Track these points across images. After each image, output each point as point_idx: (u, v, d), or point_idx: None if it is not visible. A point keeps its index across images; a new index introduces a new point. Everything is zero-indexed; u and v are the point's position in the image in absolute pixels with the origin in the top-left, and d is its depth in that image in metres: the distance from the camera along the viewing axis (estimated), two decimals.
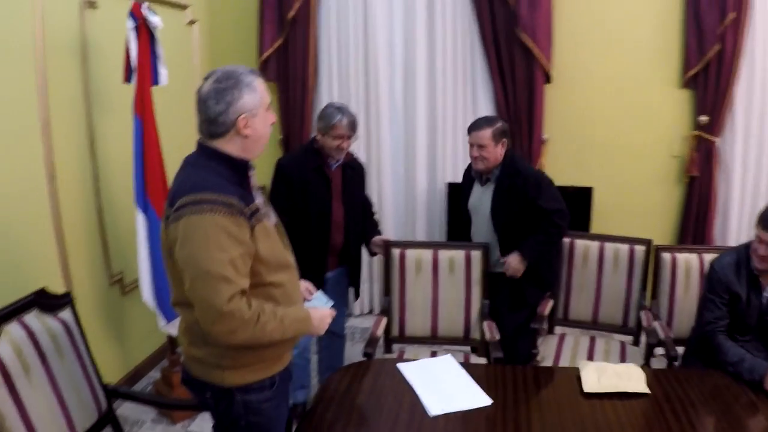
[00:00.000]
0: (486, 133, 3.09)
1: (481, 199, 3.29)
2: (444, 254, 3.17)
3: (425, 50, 4.33)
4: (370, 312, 4.79)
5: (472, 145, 3.16)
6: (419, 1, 4.24)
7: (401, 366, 2.54)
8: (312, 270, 2.95)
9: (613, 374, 2.36)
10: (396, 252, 3.18)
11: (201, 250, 1.68)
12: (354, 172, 3.22)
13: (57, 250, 3.15)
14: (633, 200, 4.29)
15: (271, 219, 1.94)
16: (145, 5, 3.06)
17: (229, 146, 1.83)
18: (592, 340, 3.21)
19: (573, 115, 4.23)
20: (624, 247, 3.24)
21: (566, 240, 3.34)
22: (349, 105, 4.42)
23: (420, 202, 4.57)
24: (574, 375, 2.40)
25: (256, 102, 1.82)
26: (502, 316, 3.22)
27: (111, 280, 3.58)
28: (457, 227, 3.59)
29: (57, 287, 3.06)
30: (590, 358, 3.03)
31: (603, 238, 3.32)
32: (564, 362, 3.03)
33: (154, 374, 3.86)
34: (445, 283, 3.17)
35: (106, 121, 3.46)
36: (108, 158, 3.48)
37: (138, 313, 3.62)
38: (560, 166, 4.25)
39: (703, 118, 4.03)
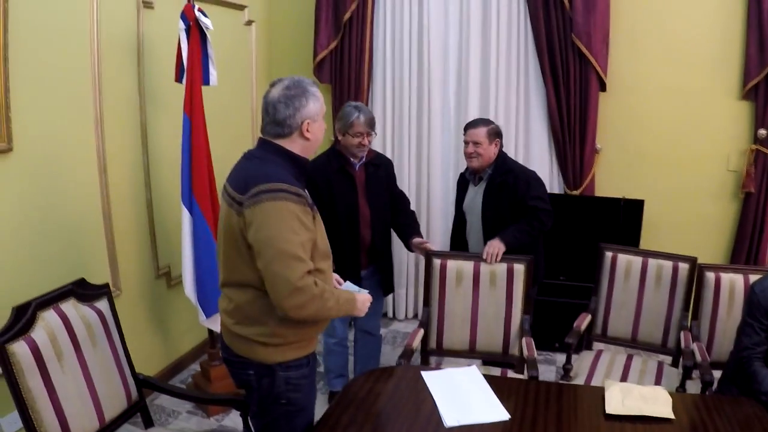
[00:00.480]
0: (482, 131, 3.20)
1: (474, 199, 3.33)
2: (486, 266, 3.11)
3: (479, 55, 4.29)
4: (415, 316, 4.80)
5: (467, 143, 3.24)
6: (474, 5, 4.21)
7: (425, 374, 2.53)
8: (348, 268, 3.08)
9: (638, 396, 2.27)
10: (437, 262, 3.15)
11: (278, 232, 1.90)
12: (377, 169, 3.29)
13: (105, 242, 3.29)
14: (685, 215, 4.13)
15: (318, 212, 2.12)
16: (196, 6, 3.15)
17: (292, 146, 2.07)
18: (629, 358, 3.11)
19: (627, 124, 4.12)
20: (668, 264, 3.11)
21: (608, 254, 3.24)
22: (402, 109, 4.51)
23: None
24: (600, 395, 2.32)
25: (318, 110, 2.08)
26: None
27: (158, 272, 3.71)
28: (456, 231, 3.58)
29: (104, 278, 3.22)
30: (625, 376, 2.94)
31: (646, 253, 3.20)
32: (597, 379, 2.94)
33: (195, 366, 3.98)
34: (485, 297, 3.12)
35: (158, 118, 3.59)
36: (160, 154, 3.61)
37: (183, 306, 3.74)
38: (612, 177, 4.14)
39: (763, 132, 3.84)
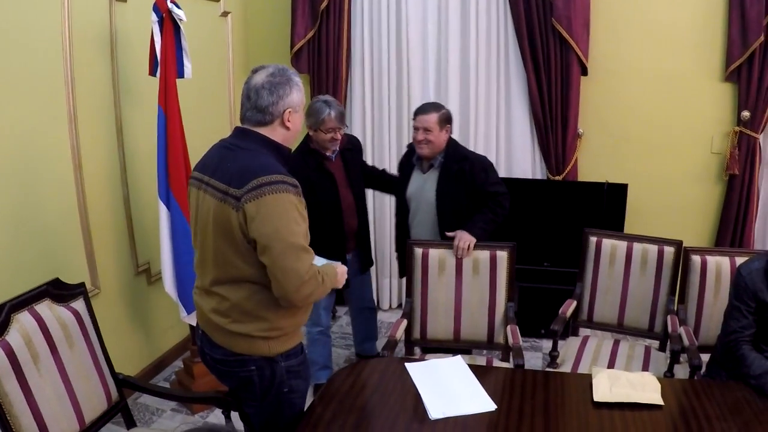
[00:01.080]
0: (432, 117, 3.09)
1: (423, 187, 3.23)
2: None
3: (458, 42, 4.24)
4: (399, 306, 4.76)
5: (417, 129, 3.12)
6: None
7: (409, 366, 2.49)
8: (335, 257, 2.96)
9: (626, 383, 2.25)
10: (419, 252, 3.09)
11: (284, 225, 1.88)
12: (352, 152, 3.37)
13: (82, 239, 3.22)
14: (669, 198, 4.13)
15: None
16: None
17: (273, 135, 2.04)
18: (616, 343, 3.10)
19: (610, 108, 4.09)
20: (653, 248, 3.10)
21: (592, 239, 3.22)
22: (381, 98, 4.46)
23: None
24: (588, 382, 2.29)
25: (300, 100, 2.07)
26: None
27: (137, 269, 3.65)
28: (399, 218, 3.49)
29: (82, 276, 3.15)
30: (612, 362, 2.93)
31: (631, 237, 3.19)
32: (584, 366, 2.93)
33: (178, 363, 3.92)
34: (468, 285, 3.08)
35: (133, 113, 3.52)
36: (135, 149, 3.54)
37: (164, 303, 3.67)
38: (595, 162, 4.13)
39: (746, 114, 3.84)
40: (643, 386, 2.23)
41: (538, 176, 4.28)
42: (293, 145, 2.17)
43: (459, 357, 2.60)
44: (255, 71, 2.05)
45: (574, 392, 2.29)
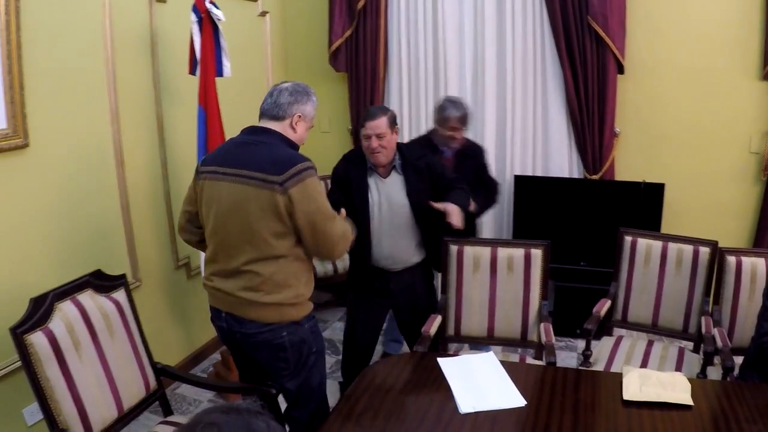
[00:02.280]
0: (383, 122, 2.88)
1: (389, 193, 3.00)
2: (503, 252, 3.07)
3: (494, 40, 4.24)
4: None
5: (369, 137, 2.89)
6: None
7: (441, 360, 2.51)
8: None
9: (656, 383, 2.24)
10: (454, 249, 3.11)
11: (322, 201, 2.28)
12: (467, 158, 3.47)
13: (124, 234, 3.33)
14: (707, 198, 4.05)
15: None
16: None
17: (284, 133, 2.36)
18: (650, 344, 3.07)
19: (646, 107, 4.03)
20: (688, 248, 3.05)
21: (628, 238, 3.19)
22: (418, 97, 4.48)
23: None
24: (618, 381, 2.29)
25: (311, 113, 2.44)
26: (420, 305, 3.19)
27: (177, 264, 3.75)
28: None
29: (124, 269, 3.25)
30: (645, 362, 2.90)
31: (666, 237, 3.15)
32: (617, 366, 2.90)
33: (216, 356, 4.00)
34: (503, 282, 3.08)
35: (174, 111, 3.61)
36: (177, 146, 3.63)
37: (202, 297, 3.70)
38: (632, 161, 4.08)
39: None
40: (674, 386, 2.21)
41: (575, 175, 4.25)
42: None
43: (491, 352, 2.62)
44: (283, 81, 2.47)
45: (605, 391, 2.28)
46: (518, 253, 3.06)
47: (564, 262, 4.07)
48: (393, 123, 2.94)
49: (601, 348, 3.08)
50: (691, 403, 2.13)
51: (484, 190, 3.54)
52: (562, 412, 2.17)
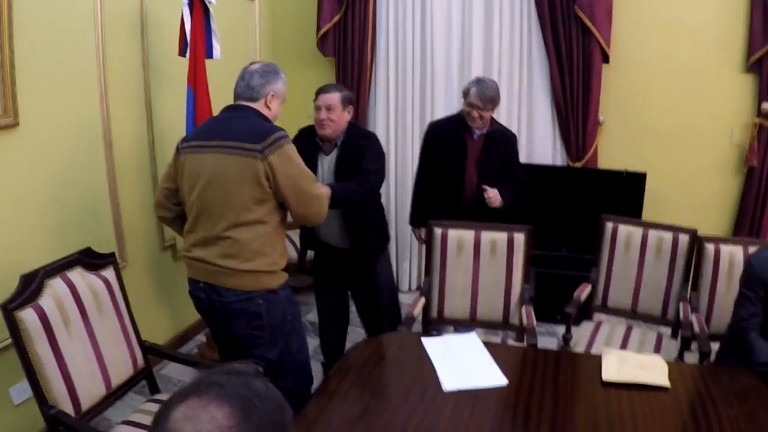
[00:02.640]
0: (335, 96, 2.95)
1: (327, 169, 3.06)
2: (486, 235, 3.11)
3: (482, 29, 4.28)
4: (418, 288, 4.84)
5: (319, 108, 2.96)
6: None
7: (425, 340, 2.57)
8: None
9: (635, 364, 2.30)
10: (438, 232, 3.15)
11: (302, 165, 2.42)
12: (497, 143, 3.39)
13: (111, 214, 3.33)
14: (688, 189, 4.13)
15: None
16: None
17: (259, 109, 2.51)
18: (629, 329, 3.14)
19: (630, 97, 4.10)
20: (668, 236, 3.12)
21: (609, 225, 3.26)
22: (405, 83, 4.50)
23: None
24: (598, 362, 2.35)
25: (282, 90, 2.58)
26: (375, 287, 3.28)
27: (163, 245, 3.76)
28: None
29: (110, 249, 3.23)
30: (624, 347, 2.98)
31: (647, 225, 3.21)
32: (596, 349, 2.97)
33: (201, 338, 4.04)
34: (486, 266, 3.13)
35: (163, 92, 3.61)
36: (165, 128, 3.63)
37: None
38: (614, 150, 4.14)
39: (766, 106, 3.82)
40: (652, 368, 2.28)
41: (559, 162, 4.31)
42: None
43: (474, 333, 2.67)
44: (252, 63, 2.61)
45: (584, 371, 2.35)
46: (501, 237, 3.10)
47: (546, 248, 4.14)
48: (346, 102, 3.00)
49: (581, 332, 3.15)
50: (668, 384, 2.20)
51: (511, 182, 3.48)
52: (543, 391, 2.23)
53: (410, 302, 3.14)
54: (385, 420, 2.09)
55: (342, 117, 2.99)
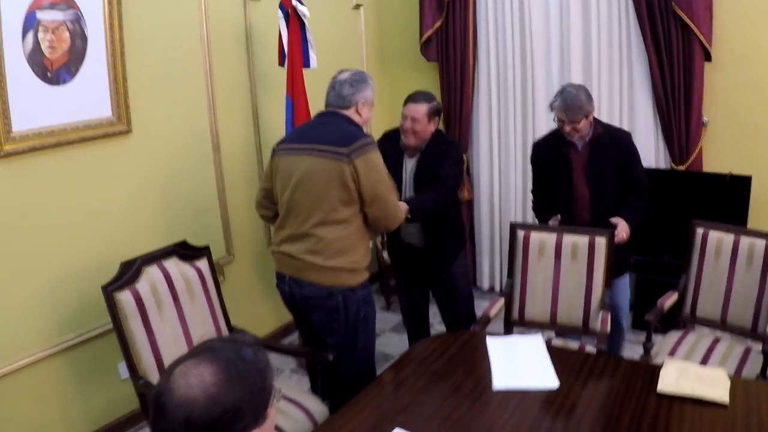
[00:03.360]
0: (422, 108, 3.05)
1: (409, 173, 3.21)
2: (568, 239, 3.11)
3: (580, 27, 4.18)
4: (491, 290, 4.92)
5: (405, 117, 3.09)
6: None
7: (489, 339, 2.64)
8: None
9: (694, 377, 2.21)
10: (520, 234, 3.19)
11: (384, 173, 2.58)
12: (604, 148, 3.12)
13: (219, 213, 3.68)
14: None
15: None
16: None
17: (350, 116, 2.66)
18: (716, 341, 2.98)
19: (736, 96, 3.81)
20: (760, 243, 2.91)
21: (699, 230, 3.11)
22: (506, 87, 4.52)
23: None
24: (657, 373, 2.27)
25: (371, 97, 2.71)
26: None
27: (270, 241, 4.04)
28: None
29: (219, 244, 3.62)
30: (706, 359, 2.84)
31: (739, 231, 3.03)
32: (678, 360, 2.86)
33: None
34: (566, 269, 3.12)
35: (268, 100, 3.92)
36: (270, 133, 3.92)
37: None
38: (719, 152, 3.88)
39: None
40: (712, 382, 2.17)
41: (662, 165, 4.12)
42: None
43: (539, 335, 2.68)
44: (340, 71, 2.72)
45: (641, 381, 2.28)
46: (583, 240, 3.08)
47: (647, 254, 4.00)
48: (432, 114, 3.11)
49: (665, 342, 3.04)
50: (726, 401, 2.08)
51: (634, 196, 3.19)
52: (591, 397, 2.23)
53: (488, 303, 3.19)
54: (428, 411, 2.18)
55: (426, 129, 3.12)
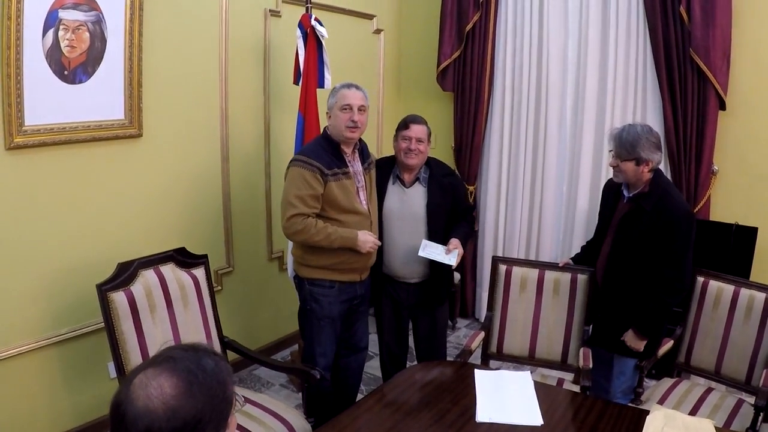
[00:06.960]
0: (425, 129, 3.10)
1: (408, 203, 3.11)
2: (550, 275, 3.16)
3: (596, 69, 4.21)
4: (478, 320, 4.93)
5: (409, 138, 3.04)
6: (593, 17, 4.14)
7: (478, 372, 2.62)
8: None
9: (681, 426, 2.18)
10: (502, 268, 3.23)
11: (288, 188, 2.81)
12: (642, 213, 2.77)
13: (223, 222, 3.71)
14: None
15: (355, 181, 2.92)
16: (313, 16, 3.47)
17: (329, 126, 2.94)
18: (708, 391, 2.94)
19: (748, 145, 3.78)
20: (760, 296, 2.90)
21: (699, 279, 3.10)
22: (519, 121, 4.55)
23: (579, 222, 4.45)
24: (644, 419, 2.23)
25: (332, 103, 2.90)
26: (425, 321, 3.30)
27: (270, 256, 4.08)
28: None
29: (219, 253, 3.63)
30: (696, 409, 2.79)
31: (739, 282, 3.01)
32: (665, 408, 2.82)
33: (295, 347, 4.27)
34: (548, 304, 3.16)
35: (281, 116, 3.97)
36: (281, 148, 3.98)
37: (292, 289, 4.03)
38: (728, 201, 3.85)
39: None
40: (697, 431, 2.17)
41: None
42: (341, 136, 2.87)
43: (528, 372, 2.67)
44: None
45: (627, 425, 2.25)
46: (564, 277, 3.13)
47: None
48: (430, 135, 3.16)
49: (656, 388, 3.00)
50: None
51: (661, 289, 2.77)
52: None
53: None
54: None
55: (427, 149, 3.14)
